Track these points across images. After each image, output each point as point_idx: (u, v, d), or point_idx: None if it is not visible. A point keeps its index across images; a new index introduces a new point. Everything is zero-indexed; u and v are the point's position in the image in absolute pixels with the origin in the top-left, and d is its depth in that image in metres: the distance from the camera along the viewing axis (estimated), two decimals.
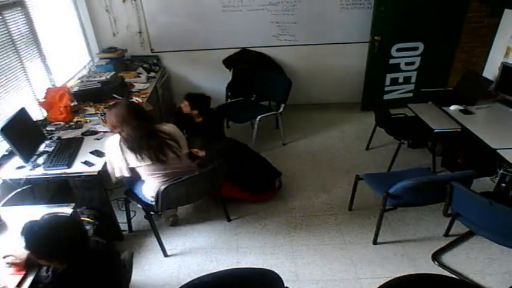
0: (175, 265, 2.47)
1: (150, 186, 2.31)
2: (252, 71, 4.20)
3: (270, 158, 3.19)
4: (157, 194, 2.23)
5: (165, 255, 2.54)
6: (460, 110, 2.98)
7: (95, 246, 1.58)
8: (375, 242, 2.57)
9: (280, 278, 1.49)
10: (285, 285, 1.49)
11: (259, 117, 3.67)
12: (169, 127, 2.33)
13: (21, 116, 2.46)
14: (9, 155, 2.43)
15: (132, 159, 2.20)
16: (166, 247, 2.59)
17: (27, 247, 1.42)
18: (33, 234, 1.40)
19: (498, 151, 2.42)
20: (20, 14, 2.93)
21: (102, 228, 2.40)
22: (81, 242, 1.48)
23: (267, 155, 3.24)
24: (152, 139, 2.21)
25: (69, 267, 1.45)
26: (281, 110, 3.79)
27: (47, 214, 1.48)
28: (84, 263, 1.47)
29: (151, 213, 2.44)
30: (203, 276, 1.48)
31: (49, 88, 3.02)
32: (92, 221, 2.36)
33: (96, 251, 1.57)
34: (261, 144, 3.83)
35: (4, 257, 1.60)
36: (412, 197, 2.36)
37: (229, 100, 4.26)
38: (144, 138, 2.18)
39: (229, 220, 2.82)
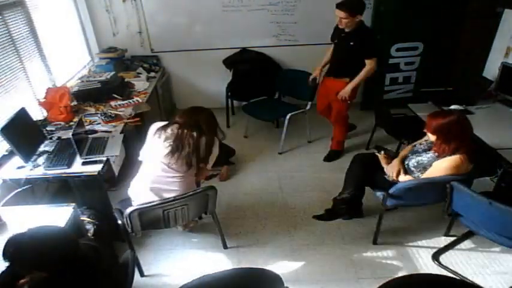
0: (175, 265, 2.46)
1: (136, 188, 2.25)
2: (253, 70, 4.21)
3: (266, 155, 3.17)
4: (126, 216, 2.11)
5: (165, 254, 2.54)
6: (460, 110, 2.98)
7: (84, 252, 1.51)
8: (374, 242, 2.57)
9: (280, 278, 1.49)
10: (285, 285, 1.49)
11: (289, 115, 3.67)
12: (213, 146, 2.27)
13: (21, 116, 2.46)
14: (9, 155, 2.43)
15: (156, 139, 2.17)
16: (166, 247, 2.59)
17: (12, 257, 1.36)
18: (20, 244, 1.35)
19: (498, 151, 2.42)
20: (20, 14, 2.92)
21: (102, 228, 2.41)
22: (67, 253, 1.40)
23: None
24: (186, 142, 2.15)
25: (50, 276, 1.37)
26: (308, 107, 3.76)
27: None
28: (66, 273, 1.39)
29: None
30: (203, 276, 1.48)
31: (49, 88, 3.02)
32: (93, 221, 2.36)
33: (83, 258, 1.49)
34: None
35: None
36: (412, 197, 2.36)
37: (251, 100, 4.20)
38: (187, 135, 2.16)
39: (225, 248, 2.60)
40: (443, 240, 2.57)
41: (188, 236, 2.71)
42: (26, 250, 1.35)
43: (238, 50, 4.34)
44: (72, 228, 1.94)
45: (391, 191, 2.32)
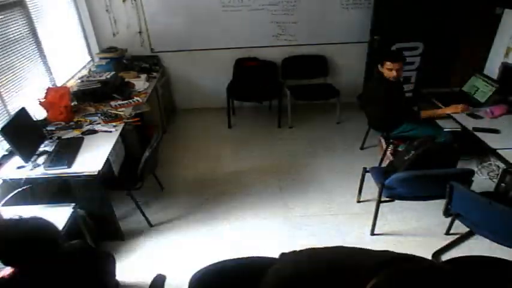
0: (175, 265, 2.46)
1: None
2: (253, 70, 4.21)
3: (267, 155, 3.16)
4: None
5: (165, 254, 2.54)
6: (468, 114, 2.94)
7: (70, 249, 1.51)
8: (372, 233, 2.63)
9: None
10: None
11: None
12: None
13: (21, 116, 2.47)
14: (9, 155, 2.43)
15: None
16: (166, 247, 2.59)
17: None
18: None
19: (498, 151, 2.42)
20: (20, 14, 2.93)
21: (102, 228, 2.41)
22: (35, 245, 1.35)
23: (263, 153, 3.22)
24: None
25: (20, 270, 1.34)
26: None
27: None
28: (39, 268, 1.35)
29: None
30: (224, 260, 1.46)
31: (49, 88, 3.02)
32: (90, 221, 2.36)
33: (66, 253, 1.47)
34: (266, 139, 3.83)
35: None
36: (406, 190, 2.39)
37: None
38: None
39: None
40: (443, 240, 2.57)
41: (188, 236, 2.71)
42: (6, 240, 1.32)
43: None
44: (72, 228, 1.94)
45: (386, 182, 2.35)
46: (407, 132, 3.08)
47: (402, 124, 3.07)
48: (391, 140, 3.30)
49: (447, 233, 2.62)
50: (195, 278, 1.43)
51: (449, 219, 2.53)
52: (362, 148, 3.76)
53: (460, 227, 2.50)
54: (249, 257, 1.53)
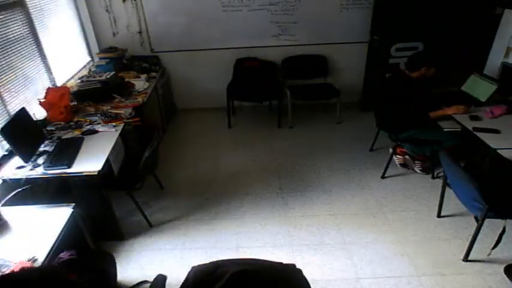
0: (175, 265, 2.47)
1: None
2: (253, 71, 4.21)
3: (267, 155, 3.16)
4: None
5: (165, 254, 2.54)
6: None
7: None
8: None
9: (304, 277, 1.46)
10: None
11: None
12: None
13: (21, 116, 2.47)
14: (9, 155, 2.43)
15: None
16: (166, 247, 2.60)
17: None
18: None
19: (498, 151, 2.42)
20: (20, 14, 2.93)
21: (102, 228, 2.40)
22: None
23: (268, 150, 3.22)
24: None
25: None
26: None
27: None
28: None
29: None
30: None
31: (49, 88, 3.03)
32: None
33: None
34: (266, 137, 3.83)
35: None
36: None
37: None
38: None
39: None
40: (435, 223, 2.60)
41: (188, 236, 2.71)
42: None
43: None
44: (72, 228, 1.94)
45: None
46: (417, 135, 3.04)
47: (412, 128, 3.04)
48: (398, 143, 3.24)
49: (438, 215, 2.69)
50: (192, 271, 1.43)
51: (447, 220, 2.55)
52: (372, 150, 3.70)
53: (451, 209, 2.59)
54: (246, 259, 1.53)
